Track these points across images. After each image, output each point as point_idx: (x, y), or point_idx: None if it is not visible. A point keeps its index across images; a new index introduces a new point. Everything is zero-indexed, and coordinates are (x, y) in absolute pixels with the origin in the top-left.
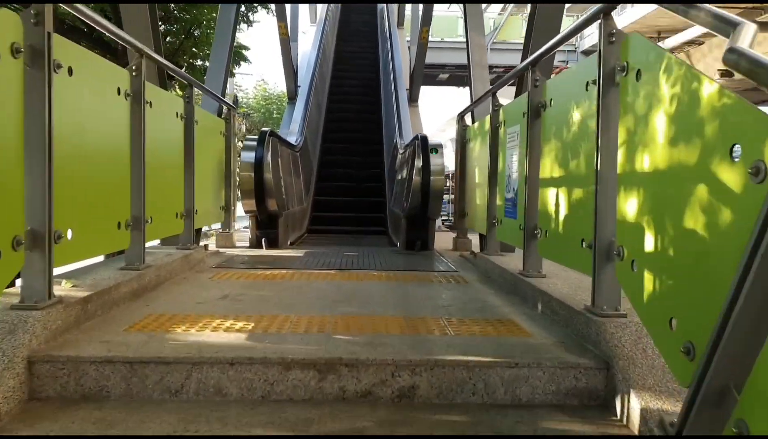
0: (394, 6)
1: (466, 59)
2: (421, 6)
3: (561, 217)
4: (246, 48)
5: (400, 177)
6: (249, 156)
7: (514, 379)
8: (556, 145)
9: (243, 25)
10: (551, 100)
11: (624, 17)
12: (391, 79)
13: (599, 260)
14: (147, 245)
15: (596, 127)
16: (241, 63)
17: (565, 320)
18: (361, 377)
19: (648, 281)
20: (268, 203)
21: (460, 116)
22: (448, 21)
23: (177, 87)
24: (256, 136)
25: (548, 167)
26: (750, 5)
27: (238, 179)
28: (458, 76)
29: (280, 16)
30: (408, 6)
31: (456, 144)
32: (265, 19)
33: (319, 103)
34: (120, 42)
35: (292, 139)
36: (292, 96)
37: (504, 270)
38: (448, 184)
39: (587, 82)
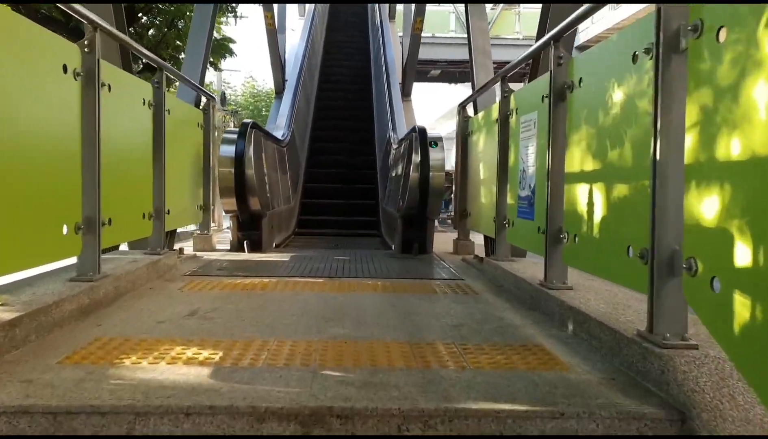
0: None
1: (457, 55)
2: None
3: (597, 219)
4: (232, 41)
5: (394, 174)
6: (228, 150)
7: (558, 433)
8: (588, 133)
9: (231, 19)
10: (581, 79)
11: (621, 11)
12: (383, 73)
13: (659, 274)
14: (120, 247)
15: (652, 108)
16: (227, 57)
17: (610, 348)
18: (357, 432)
19: (741, 306)
20: (249, 202)
21: (461, 107)
22: (439, 16)
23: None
24: (237, 129)
25: (578, 159)
26: None
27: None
28: (450, 72)
29: (267, 6)
30: None
31: (456, 137)
32: (253, 16)
33: (308, 96)
34: (68, 11)
35: (278, 134)
36: (279, 90)
37: (520, 279)
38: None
39: (634, 54)
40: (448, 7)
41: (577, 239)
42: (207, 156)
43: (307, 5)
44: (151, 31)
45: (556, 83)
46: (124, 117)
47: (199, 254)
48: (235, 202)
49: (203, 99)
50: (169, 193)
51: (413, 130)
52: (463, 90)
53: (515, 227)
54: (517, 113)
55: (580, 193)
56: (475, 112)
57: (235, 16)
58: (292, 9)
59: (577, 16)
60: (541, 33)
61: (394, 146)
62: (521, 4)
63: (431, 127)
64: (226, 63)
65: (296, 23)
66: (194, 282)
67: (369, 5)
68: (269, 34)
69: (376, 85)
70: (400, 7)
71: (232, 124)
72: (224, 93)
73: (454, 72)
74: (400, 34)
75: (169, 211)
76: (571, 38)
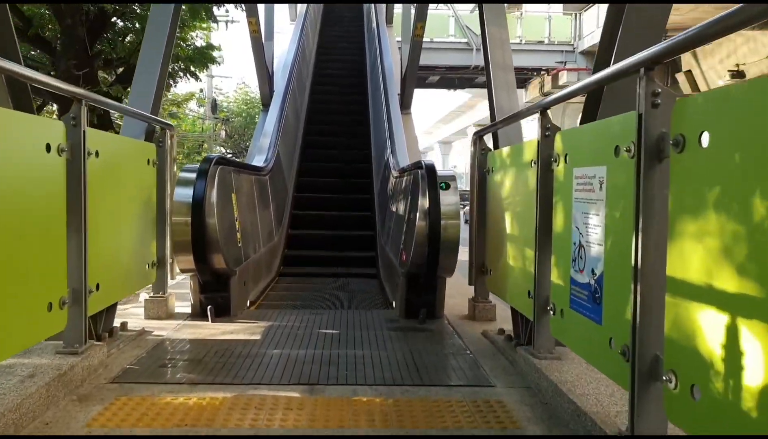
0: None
1: (457, 61)
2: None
3: (759, 380)
4: (216, 48)
5: (395, 210)
6: (184, 194)
7: None
8: (724, 224)
9: (220, 24)
10: (702, 134)
11: None
12: (380, 84)
13: None
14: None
15: None
16: (209, 66)
17: None
18: None
19: None
20: (212, 260)
21: (478, 137)
22: (438, 20)
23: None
24: (196, 165)
25: (698, 261)
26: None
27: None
28: (449, 78)
29: (251, 11)
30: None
31: (472, 171)
32: (245, 21)
33: (297, 110)
34: None
35: (260, 160)
36: (266, 102)
37: (582, 414)
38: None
39: None
40: (447, 10)
41: (697, 393)
42: (162, 199)
43: (299, 7)
44: (128, 38)
45: (650, 133)
46: (9, 172)
47: (149, 326)
48: (193, 260)
49: (157, 128)
50: (98, 262)
51: (418, 166)
52: (463, 94)
53: (565, 320)
54: (567, 161)
55: (703, 318)
56: (495, 144)
57: (216, 21)
58: (280, 11)
59: (721, 26)
60: (607, 47)
61: (394, 174)
62: (523, 6)
63: (428, 131)
64: (217, 69)
65: (286, 25)
66: (118, 402)
67: (365, 9)
68: (254, 41)
69: (372, 98)
70: (398, 9)
71: (223, 133)
72: (215, 100)
73: (453, 78)
74: (398, 39)
75: (98, 286)
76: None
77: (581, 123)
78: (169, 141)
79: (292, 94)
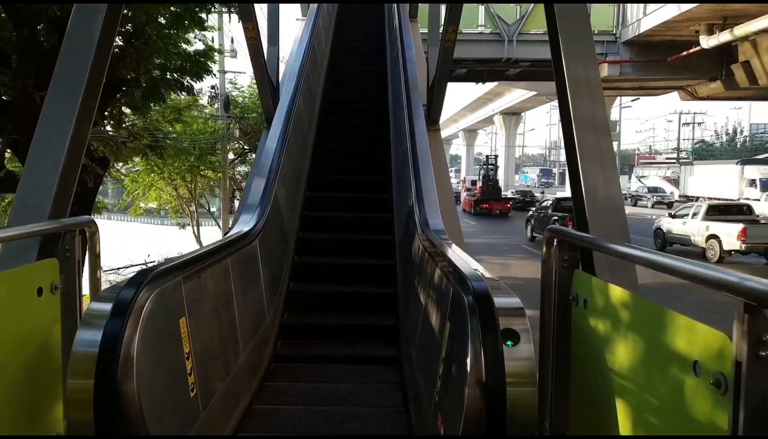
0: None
1: (485, 53)
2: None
3: None
4: (218, 51)
5: (423, 302)
6: (88, 342)
7: None
8: None
9: (234, 17)
10: None
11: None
12: (403, 96)
13: None
14: None
15: None
16: (205, 76)
17: None
18: None
19: None
20: None
21: (555, 236)
22: (467, 9)
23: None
24: (114, 293)
25: None
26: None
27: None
28: (478, 71)
29: (246, 16)
30: None
31: (543, 280)
32: (259, 11)
33: (305, 135)
34: None
35: (248, 221)
36: (269, 116)
37: None
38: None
39: None
40: None
41: None
42: (73, 334)
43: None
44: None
45: None
46: None
47: None
48: None
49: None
50: None
51: (462, 284)
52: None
53: None
54: None
55: None
56: (588, 262)
57: (204, 28)
58: (286, 9)
59: None
60: None
61: (421, 239)
62: None
63: (453, 118)
64: (229, 64)
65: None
66: None
67: (386, 6)
68: (252, 50)
69: (394, 114)
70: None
71: (237, 132)
72: (228, 97)
73: (482, 71)
74: (423, 30)
75: None
76: None
77: None
78: (79, 246)
79: (297, 111)
